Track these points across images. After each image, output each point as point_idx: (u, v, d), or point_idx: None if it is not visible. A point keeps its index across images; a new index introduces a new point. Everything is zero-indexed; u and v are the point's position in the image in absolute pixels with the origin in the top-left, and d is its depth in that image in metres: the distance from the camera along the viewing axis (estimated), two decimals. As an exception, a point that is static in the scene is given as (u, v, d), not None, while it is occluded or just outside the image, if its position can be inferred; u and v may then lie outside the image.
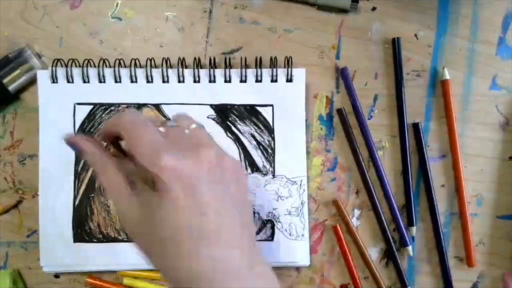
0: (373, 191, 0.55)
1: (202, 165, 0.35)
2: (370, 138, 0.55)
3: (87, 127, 0.53)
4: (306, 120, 0.54)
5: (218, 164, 0.36)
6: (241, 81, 0.54)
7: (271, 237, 0.54)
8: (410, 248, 0.55)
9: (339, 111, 0.55)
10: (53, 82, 0.52)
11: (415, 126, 0.55)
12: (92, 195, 0.53)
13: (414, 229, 0.55)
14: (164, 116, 0.53)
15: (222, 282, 0.33)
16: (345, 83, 0.55)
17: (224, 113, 0.54)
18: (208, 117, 0.53)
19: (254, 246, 0.37)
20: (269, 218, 0.54)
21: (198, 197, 0.34)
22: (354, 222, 0.55)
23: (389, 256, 0.55)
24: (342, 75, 0.55)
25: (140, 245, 0.36)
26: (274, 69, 0.53)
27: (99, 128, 0.52)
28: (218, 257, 0.34)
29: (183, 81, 0.53)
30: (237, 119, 0.54)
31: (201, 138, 0.37)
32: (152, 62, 0.53)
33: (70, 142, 0.38)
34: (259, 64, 0.53)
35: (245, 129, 0.54)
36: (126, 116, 0.37)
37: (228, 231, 0.35)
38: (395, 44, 0.55)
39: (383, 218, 0.55)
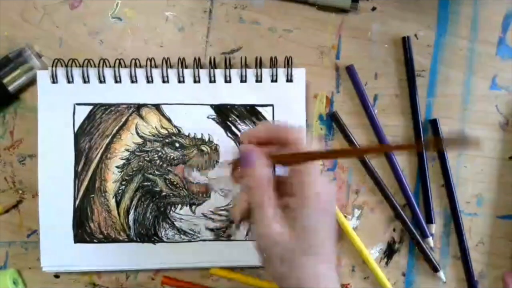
0: (382, 184, 0.55)
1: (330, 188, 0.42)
2: (382, 132, 0.55)
3: (87, 127, 0.53)
4: (306, 120, 0.54)
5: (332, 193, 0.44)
6: (241, 81, 0.54)
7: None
8: (430, 239, 0.55)
9: (333, 116, 0.55)
10: (53, 82, 0.52)
11: (433, 122, 0.55)
12: (93, 195, 0.53)
13: (433, 227, 0.55)
14: (164, 115, 0.53)
15: None
16: (352, 79, 0.55)
17: (224, 113, 0.54)
18: (208, 117, 0.53)
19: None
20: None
21: (330, 217, 0.41)
22: (354, 222, 0.55)
23: (389, 256, 0.56)
24: (349, 72, 0.55)
25: (274, 264, 0.40)
26: (274, 69, 0.53)
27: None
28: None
29: (183, 81, 0.53)
30: (237, 119, 0.54)
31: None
32: (152, 62, 0.53)
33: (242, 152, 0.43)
34: (259, 64, 0.53)
35: (245, 129, 0.54)
36: (296, 132, 0.42)
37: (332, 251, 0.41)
38: (405, 43, 0.55)
39: (400, 209, 0.55)
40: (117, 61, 0.53)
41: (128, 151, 0.53)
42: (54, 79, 0.52)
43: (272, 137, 0.42)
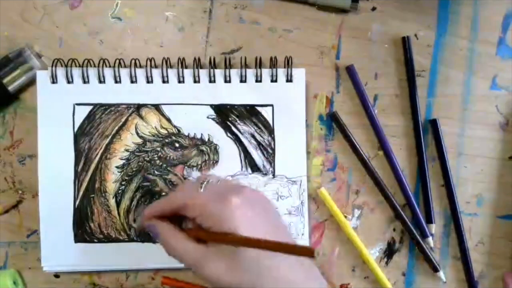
0: (382, 184, 0.55)
1: (249, 202, 0.41)
2: (382, 133, 0.55)
3: (86, 127, 0.53)
4: (306, 120, 0.54)
5: (256, 199, 0.43)
6: (241, 81, 0.54)
7: (271, 237, 0.54)
8: (430, 239, 0.55)
9: (333, 116, 0.55)
10: (53, 82, 0.52)
11: (433, 122, 0.55)
12: (93, 195, 0.53)
13: (433, 227, 0.55)
14: (164, 115, 0.53)
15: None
16: (352, 79, 0.55)
17: (224, 113, 0.54)
18: (208, 117, 0.53)
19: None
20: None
21: (256, 227, 0.40)
22: (354, 222, 0.55)
23: (389, 256, 0.56)
24: (349, 72, 0.55)
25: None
26: (274, 69, 0.53)
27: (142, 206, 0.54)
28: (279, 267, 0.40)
29: (183, 81, 0.53)
30: (237, 119, 0.54)
31: (234, 184, 0.45)
32: (152, 62, 0.53)
33: (146, 227, 0.45)
34: (259, 64, 0.53)
35: (245, 129, 0.54)
36: (178, 196, 0.43)
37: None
38: (405, 43, 0.55)
39: (400, 209, 0.55)
40: (117, 61, 0.53)
41: (128, 151, 0.53)
42: (53, 79, 0.52)
43: (169, 211, 0.44)
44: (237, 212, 0.40)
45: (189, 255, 0.41)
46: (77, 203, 0.53)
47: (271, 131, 0.54)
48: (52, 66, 0.52)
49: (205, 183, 0.43)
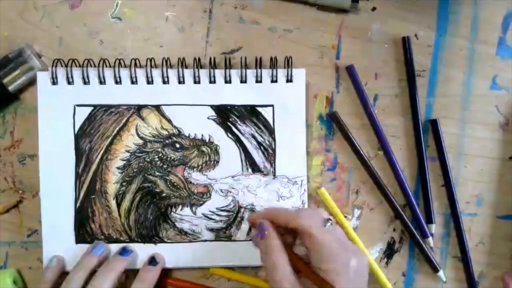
0: (382, 184, 0.55)
1: (361, 267, 0.43)
2: (382, 132, 0.55)
3: (87, 128, 0.53)
4: (306, 120, 0.54)
5: (364, 265, 0.44)
6: (241, 81, 0.53)
7: (271, 237, 0.54)
8: (430, 239, 0.55)
9: (333, 116, 0.55)
10: (53, 83, 0.52)
11: (433, 122, 0.55)
12: (93, 196, 0.53)
13: (433, 227, 0.55)
14: (164, 116, 0.53)
15: None
16: (352, 79, 0.55)
17: (224, 114, 0.54)
18: (208, 118, 0.53)
19: None
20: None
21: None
22: (354, 222, 0.55)
23: (389, 256, 0.56)
24: (349, 72, 0.55)
25: None
26: (274, 70, 0.53)
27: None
28: None
29: (183, 82, 0.53)
30: (237, 119, 0.54)
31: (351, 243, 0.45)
32: (152, 62, 0.53)
33: (255, 223, 0.47)
34: (259, 64, 0.53)
35: (245, 129, 0.54)
36: (306, 219, 0.44)
37: None
38: (405, 43, 0.55)
39: (400, 209, 0.55)
40: (117, 61, 0.52)
41: (129, 152, 0.53)
42: (54, 81, 0.52)
43: (284, 224, 0.45)
44: (351, 273, 0.42)
45: (283, 276, 0.43)
46: (78, 204, 0.53)
47: (271, 132, 0.54)
48: (52, 67, 0.52)
49: (329, 223, 0.45)
